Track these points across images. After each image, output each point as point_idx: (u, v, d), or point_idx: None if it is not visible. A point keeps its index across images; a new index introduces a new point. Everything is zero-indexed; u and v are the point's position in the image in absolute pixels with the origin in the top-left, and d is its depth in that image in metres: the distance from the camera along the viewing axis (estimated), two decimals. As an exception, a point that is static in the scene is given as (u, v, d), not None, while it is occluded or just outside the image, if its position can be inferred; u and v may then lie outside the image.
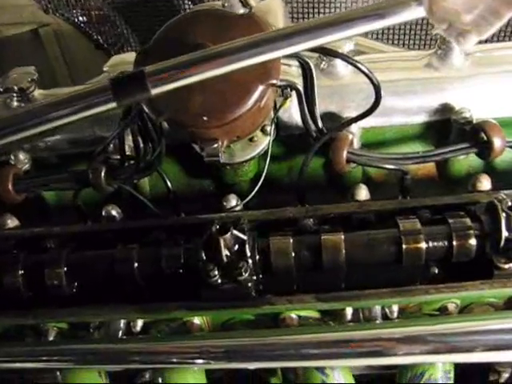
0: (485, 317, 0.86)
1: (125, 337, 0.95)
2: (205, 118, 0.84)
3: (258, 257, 0.86)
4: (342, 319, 0.92)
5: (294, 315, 0.92)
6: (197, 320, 0.94)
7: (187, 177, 1.12)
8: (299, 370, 0.93)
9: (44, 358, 0.92)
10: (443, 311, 0.92)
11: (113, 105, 0.63)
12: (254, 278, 0.85)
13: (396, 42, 1.52)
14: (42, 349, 0.93)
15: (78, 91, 0.65)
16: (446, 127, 1.04)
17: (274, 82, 0.87)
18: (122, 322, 0.95)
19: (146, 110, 0.87)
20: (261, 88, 0.84)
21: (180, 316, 0.90)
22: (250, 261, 0.84)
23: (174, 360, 0.87)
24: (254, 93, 0.84)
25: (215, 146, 0.88)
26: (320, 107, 1.01)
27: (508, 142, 0.98)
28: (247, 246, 0.83)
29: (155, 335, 0.97)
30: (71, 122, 0.65)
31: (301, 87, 0.96)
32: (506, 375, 1.08)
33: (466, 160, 1.06)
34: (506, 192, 0.91)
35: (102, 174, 0.97)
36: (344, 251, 0.85)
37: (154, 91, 0.64)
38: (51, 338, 0.97)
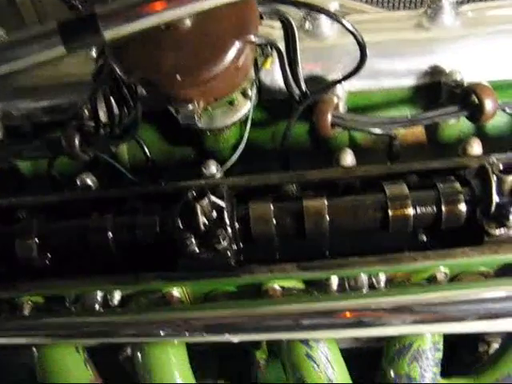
0: (475, 285, 0.83)
1: (102, 310, 0.92)
2: (178, 77, 0.79)
3: (237, 224, 0.82)
4: (327, 289, 0.89)
5: (277, 286, 0.88)
6: (176, 292, 0.91)
7: (167, 145, 1.08)
8: (283, 342, 0.90)
9: (19, 333, 0.89)
10: (432, 280, 0.89)
11: (61, 49, 0.58)
12: (234, 246, 0.82)
13: (385, 4, 1.47)
14: (17, 323, 0.89)
15: (22, 35, 0.60)
16: (435, 90, 1.00)
17: (252, 37, 0.82)
18: (99, 295, 0.91)
19: (117, 70, 0.81)
20: (238, 44, 0.79)
21: (157, 287, 0.87)
22: (229, 229, 0.80)
23: (154, 333, 0.84)
24: (231, 50, 0.79)
25: (191, 108, 0.83)
26: (304, 70, 0.97)
27: (500, 105, 0.94)
28: (226, 213, 0.79)
29: (133, 308, 0.93)
30: (16, 68, 0.60)
31: (283, 47, 0.92)
32: (495, 345, 1.06)
33: (456, 125, 1.03)
34: (497, 156, 0.87)
35: (76, 141, 0.93)
36: (327, 218, 0.81)
37: (108, 34, 0.59)
38: (26, 313, 0.93)
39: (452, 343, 0.93)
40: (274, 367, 1.17)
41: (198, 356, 0.98)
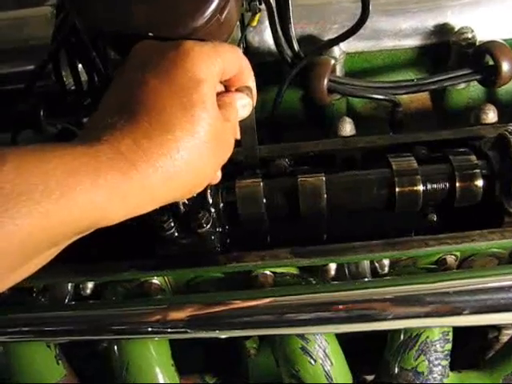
0: (491, 272, 0.73)
1: (73, 302, 0.82)
2: (150, 34, 0.68)
3: (222, 205, 0.72)
4: (324, 276, 0.80)
5: (268, 272, 0.79)
6: (156, 280, 0.81)
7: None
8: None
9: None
10: (441, 265, 0.80)
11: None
12: (219, 229, 0.72)
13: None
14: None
15: None
16: (444, 51, 0.91)
17: (237, -13, 0.71)
18: (70, 285, 0.82)
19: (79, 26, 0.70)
20: (220, -5, 0.68)
21: (131, 277, 0.77)
22: (213, 210, 0.70)
23: (131, 332, 0.75)
24: (212, 0, 0.68)
25: (166, 69, 0.72)
26: (296, 30, 0.87)
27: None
28: (208, 191, 0.70)
29: (108, 302, 0.83)
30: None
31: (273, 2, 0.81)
32: (506, 331, 0.98)
33: (465, 91, 0.93)
34: (515, 124, 0.78)
35: (41, 111, 0.83)
36: (325, 196, 0.72)
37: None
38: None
39: (458, 328, 0.85)
40: (267, 354, 1.09)
41: (181, 346, 0.89)
